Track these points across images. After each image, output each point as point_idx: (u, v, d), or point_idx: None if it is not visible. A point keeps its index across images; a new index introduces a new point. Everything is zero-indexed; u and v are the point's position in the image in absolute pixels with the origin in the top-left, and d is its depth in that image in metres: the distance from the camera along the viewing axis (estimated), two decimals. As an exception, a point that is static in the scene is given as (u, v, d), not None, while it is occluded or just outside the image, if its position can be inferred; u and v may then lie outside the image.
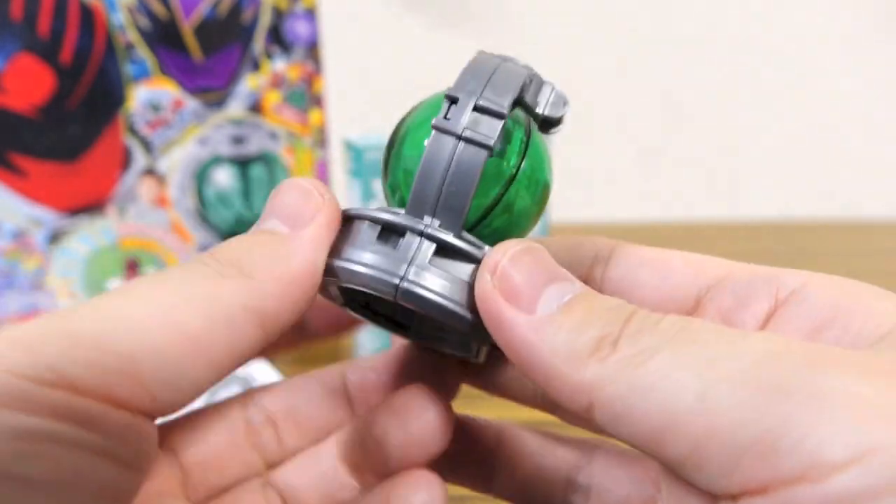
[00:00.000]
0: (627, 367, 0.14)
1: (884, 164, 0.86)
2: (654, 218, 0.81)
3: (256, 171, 0.47)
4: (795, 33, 0.82)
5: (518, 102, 0.19)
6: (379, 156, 0.43)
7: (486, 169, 0.17)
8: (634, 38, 0.81)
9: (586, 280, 0.19)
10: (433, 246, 0.17)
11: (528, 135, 0.19)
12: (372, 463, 0.20)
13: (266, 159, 0.47)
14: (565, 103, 0.20)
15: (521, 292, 0.16)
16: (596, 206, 0.80)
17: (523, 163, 0.18)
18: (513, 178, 0.18)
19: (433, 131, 0.17)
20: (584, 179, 0.80)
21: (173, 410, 0.15)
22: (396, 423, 0.19)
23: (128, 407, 0.14)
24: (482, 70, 0.18)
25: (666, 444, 0.13)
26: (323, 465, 0.20)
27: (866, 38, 0.82)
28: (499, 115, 0.17)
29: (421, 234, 0.17)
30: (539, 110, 0.19)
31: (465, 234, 0.18)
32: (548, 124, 0.20)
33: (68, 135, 0.44)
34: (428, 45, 0.79)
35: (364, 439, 0.20)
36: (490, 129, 0.17)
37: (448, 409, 0.20)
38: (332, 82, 0.64)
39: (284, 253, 0.17)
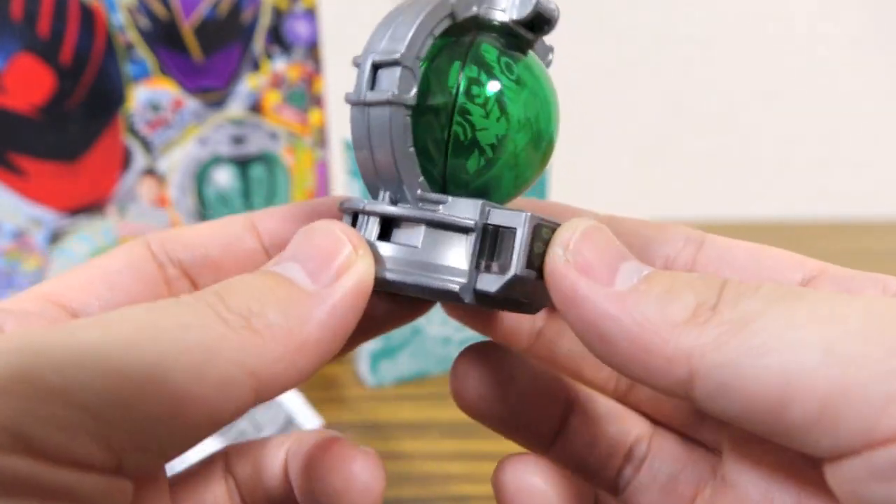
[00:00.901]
0: (733, 330, 0.13)
1: (884, 164, 0.86)
2: (654, 218, 0.81)
3: (256, 171, 0.47)
4: (796, 33, 0.82)
5: (451, 28, 0.17)
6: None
7: (425, 117, 0.17)
8: (634, 39, 0.81)
9: (675, 260, 0.19)
10: (377, 222, 0.17)
11: (465, 59, 0.17)
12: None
13: (266, 159, 0.47)
14: None
15: (596, 267, 0.15)
16: (596, 206, 0.80)
17: (465, 91, 0.17)
18: (452, 110, 0.17)
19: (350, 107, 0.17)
20: (583, 179, 0.80)
21: (138, 474, 0.13)
22: (324, 485, 0.18)
23: (95, 469, 0.12)
24: (386, 21, 0.17)
25: (789, 408, 0.12)
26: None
27: (866, 38, 0.82)
28: (395, 63, 0.16)
29: (364, 212, 0.17)
30: (500, 18, 0.17)
31: (425, 195, 0.17)
32: (533, 28, 0.18)
33: (68, 135, 0.44)
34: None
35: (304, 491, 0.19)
36: (389, 83, 0.16)
37: (374, 459, 0.18)
38: (332, 82, 0.64)
39: (301, 313, 0.15)
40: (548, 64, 0.19)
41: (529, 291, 0.16)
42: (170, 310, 0.14)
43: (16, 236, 0.44)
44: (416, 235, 0.16)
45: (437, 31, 0.17)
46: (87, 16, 0.43)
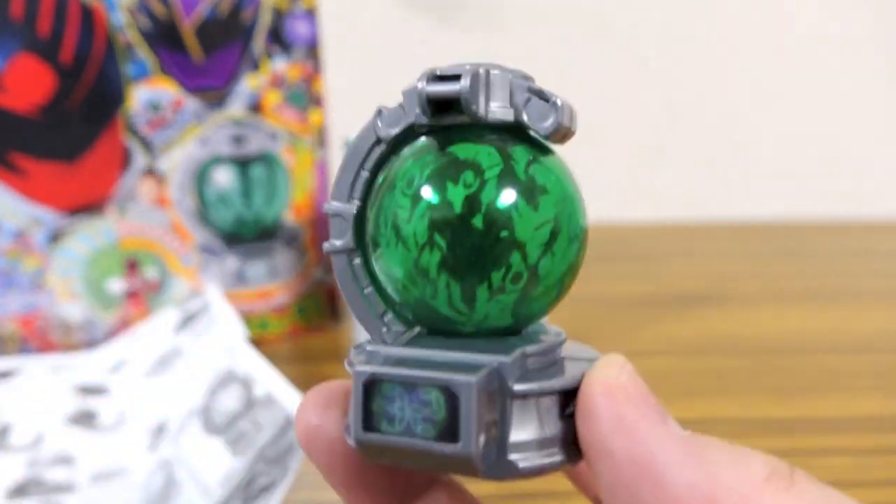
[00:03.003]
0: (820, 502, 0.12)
1: (884, 164, 0.86)
2: (654, 218, 0.81)
3: (256, 171, 0.47)
4: (796, 33, 0.82)
5: (380, 161, 0.16)
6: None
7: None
8: (634, 38, 0.81)
9: None
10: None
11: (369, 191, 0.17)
12: None
13: (266, 159, 0.47)
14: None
15: (646, 406, 0.13)
16: (596, 206, 0.80)
17: (373, 222, 0.16)
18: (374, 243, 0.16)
19: None
20: (584, 179, 0.80)
21: None
22: None
23: None
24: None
25: None
26: None
27: (866, 38, 0.82)
28: (331, 214, 0.17)
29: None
30: (389, 131, 0.16)
31: (389, 333, 0.16)
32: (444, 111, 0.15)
33: (68, 135, 0.44)
34: (428, 45, 0.79)
35: None
36: (336, 231, 0.17)
37: None
38: (332, 82, 0.63)
39: None
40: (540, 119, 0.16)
41: (422, 458, 0.13)
42: None
43: (16, 236, 0.44)
44: None
45: (369, 164, 0.16)
46: (87, 16, 0.43)
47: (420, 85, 0.15)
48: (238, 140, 0.47)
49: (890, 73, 0.83)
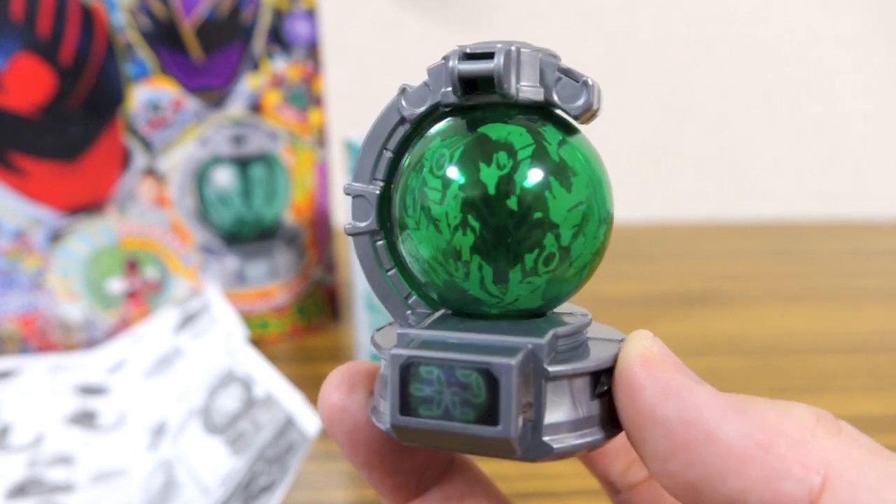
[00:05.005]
0: (874, 453, 0.12)
1: (884, 164, 0.86)
2: (654, 218, 0.81)
3: (256, 171, 0.47)
4: (796, 33, 0.82)
5: (407, 139, 0.16)
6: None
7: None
8: (634, 38, 0.81)
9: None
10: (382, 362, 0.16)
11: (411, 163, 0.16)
12: None
13: (266, 159, 0.47)
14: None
15: (683, 371, 0.13)
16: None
17: (400, 202, 0.16)
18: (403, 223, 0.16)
19: None
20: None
21: None
22: None
23: None
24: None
25: None
26: None
27: (866, 38, 0.82)
28: (353, 195, 0.16)
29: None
30: (431, 102, 0.15)
31: (417, 313, 0.16)
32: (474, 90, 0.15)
33: (68, 135, 0.44)
34: (428, 45, 0.79)
35: None
36: (358, 212, 0.16)
37: None
38: (332, 82, 0.64)
39: None
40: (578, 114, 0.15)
41: (453, 443, 0.13)
42: None
43: (16, 236, 0.44)
44: None
45: (392, 145, 0.16)
46: (87, 16, 0.43)
47: (451, 63, 0.15)
48: (238, 140, 0.47)
49: (889, 73, 0.83)
